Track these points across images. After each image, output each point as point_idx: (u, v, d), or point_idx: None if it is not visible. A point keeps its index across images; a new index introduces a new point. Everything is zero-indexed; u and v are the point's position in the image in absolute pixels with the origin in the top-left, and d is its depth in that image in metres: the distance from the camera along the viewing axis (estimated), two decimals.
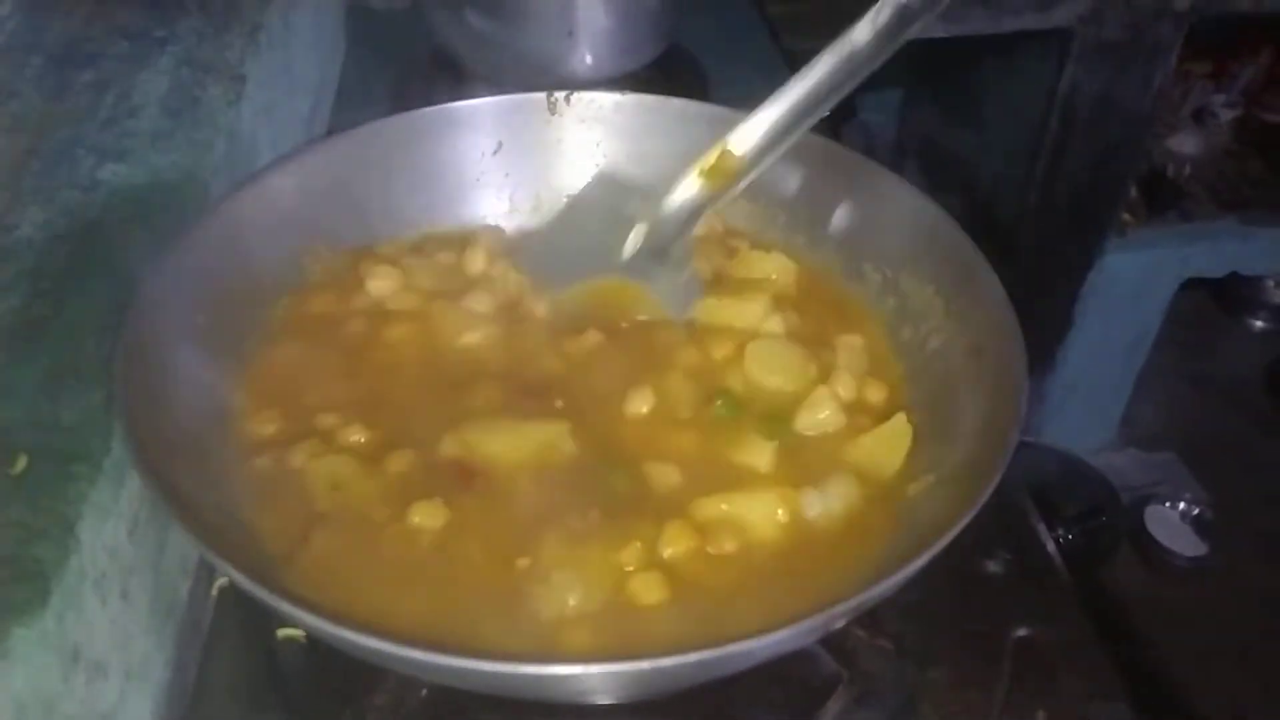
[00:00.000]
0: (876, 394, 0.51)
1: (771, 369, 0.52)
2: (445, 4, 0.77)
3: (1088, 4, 1.08)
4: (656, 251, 0.55)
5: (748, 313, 0.54)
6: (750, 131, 0.52)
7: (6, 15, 0.67)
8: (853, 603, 0.37)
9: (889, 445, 0.48)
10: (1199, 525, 1.38)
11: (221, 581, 0.51)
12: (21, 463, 0.40)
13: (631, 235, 0.55)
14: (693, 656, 0.35)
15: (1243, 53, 1.41)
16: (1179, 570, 1.35)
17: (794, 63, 0.91)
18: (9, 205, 0.53)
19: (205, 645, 0.49)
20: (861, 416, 0.50)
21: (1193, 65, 1.38)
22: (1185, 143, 1.40)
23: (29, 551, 0.37)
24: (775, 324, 0.54)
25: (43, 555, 0.37)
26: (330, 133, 0.67)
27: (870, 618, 0.48)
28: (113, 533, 0.41)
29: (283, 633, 0.48)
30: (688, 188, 0.54)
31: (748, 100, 0.58)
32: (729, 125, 0.55)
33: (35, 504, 0.39)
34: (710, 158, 0.53)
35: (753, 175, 0.53)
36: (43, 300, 0.48)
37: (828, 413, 0.50)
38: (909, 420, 0.48)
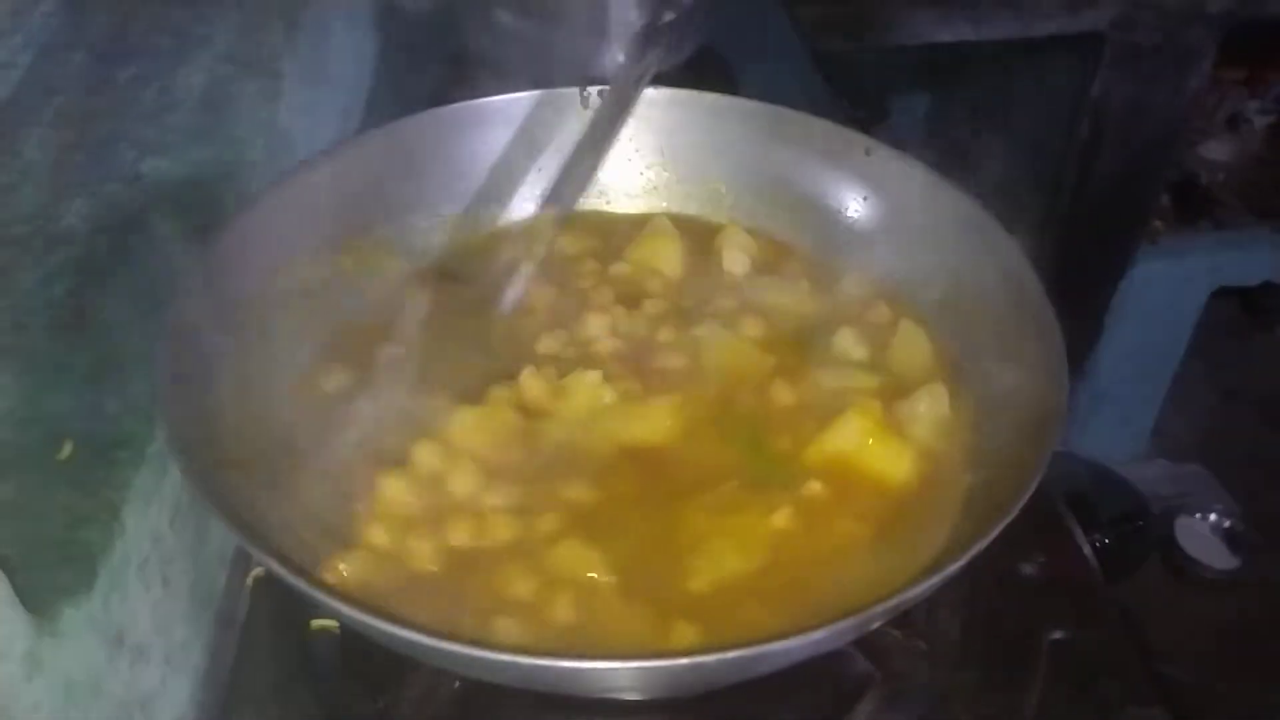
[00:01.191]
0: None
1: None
2: (478, 4, 0.78)
3: (1119, 8, 1.07)
4: None
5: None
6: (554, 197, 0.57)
7: (50, 12, 0.68)
8: (891, 603, 0.36)
9: (909, 348, 0.51)
10: (1229, 538, 1.36)
11: (257, 572, 0.51)
12: (67, 449, 0.41)
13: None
14: (728, 655, 0.35)
15: (1278, 59, 1.40)
16: (1209, 583, 1.33)
17: (823, 64, 0.92)
18: (53, 197, 0.54)
19: (241, 634, 0.49)
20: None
21: (1227, 71, 1.37)
22: (1218, 150, 1.39)
23: (77, 535, 0.37)
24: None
25: (90, 539, 0.38)
26: (364, 129, 0.68)
27: (904, 618, 0.47)
28: (155, 519, 0.42)
29: (316, 623, 0.48)
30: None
31: (776, 101, 0.59)
32: (756, 119, 0.57)
33: (82, 489, 0.39)
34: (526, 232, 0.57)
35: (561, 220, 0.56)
36: (86, 290, 0.48)
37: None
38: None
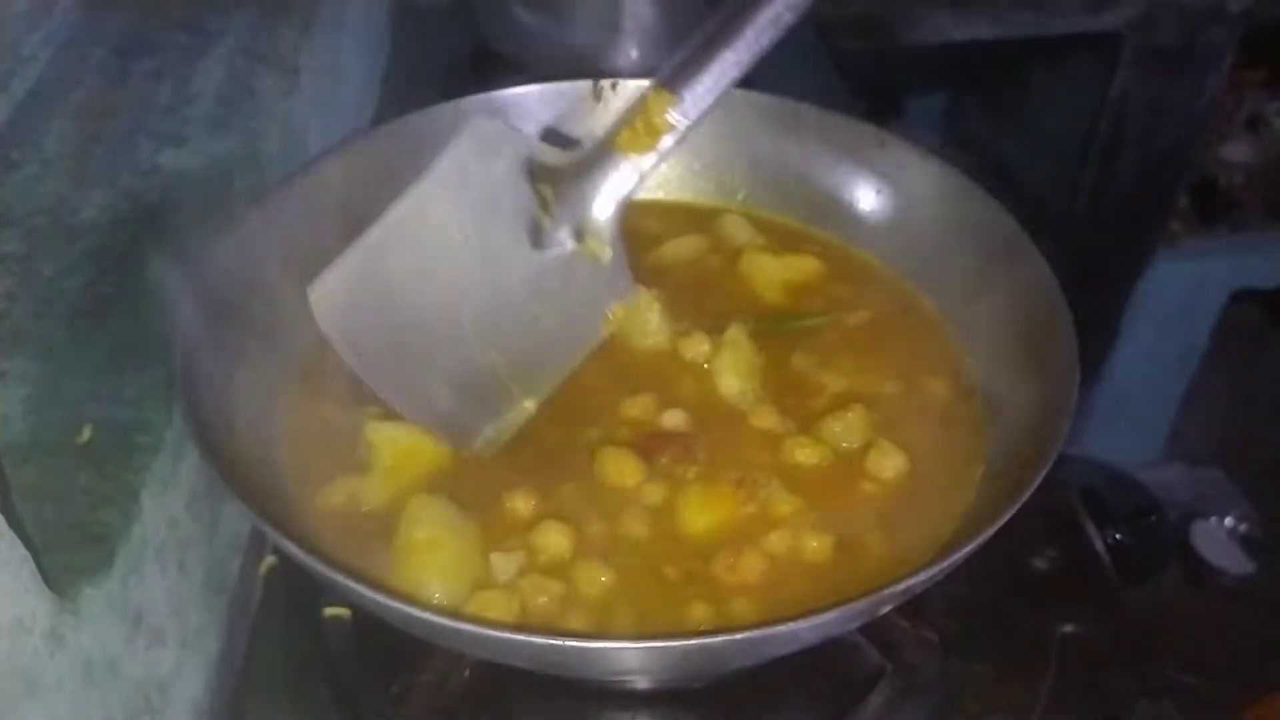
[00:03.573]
0: (942, 387, 0.51)
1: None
2: None
3: (1139, 7, 1.07)
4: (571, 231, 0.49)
5: None
6: (690, 81, 0.46)
7: (70, 8, 0.69)
8: (900, 587, 0.36)
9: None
10: (1246, 543, 1.35)
11: (269, 560, 0.52)
12: (87, 433, 0.41)
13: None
14: (736, 636, 0.35)
15: None
16: (1226, 588, 1.32)
17: (840, 62, 0.92)
18: (74, 189, 0.54)
19: (254, 621, 0.50)
20: None
21: (1247, 72, 1.36)
22: (1238, 151, 1.38)
23: (97, 516, 0.38)
24: None
25: (109, 520, 0.38)
26: (378, 122, 0.68)
27: (915, 610, 0.47)
28: (172, 505, 0.42)
29: (328, 611, 0.49)
30: (606, 165, 0.48)
31: (791, 95, 0.59)
32: (771, 113, 0.56)
33: (102, 472, 0.40)
34: (633, 120, 0.47)
35: (687, 132, 0.47)
36: (106, 279, 0.49)
37: None
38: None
